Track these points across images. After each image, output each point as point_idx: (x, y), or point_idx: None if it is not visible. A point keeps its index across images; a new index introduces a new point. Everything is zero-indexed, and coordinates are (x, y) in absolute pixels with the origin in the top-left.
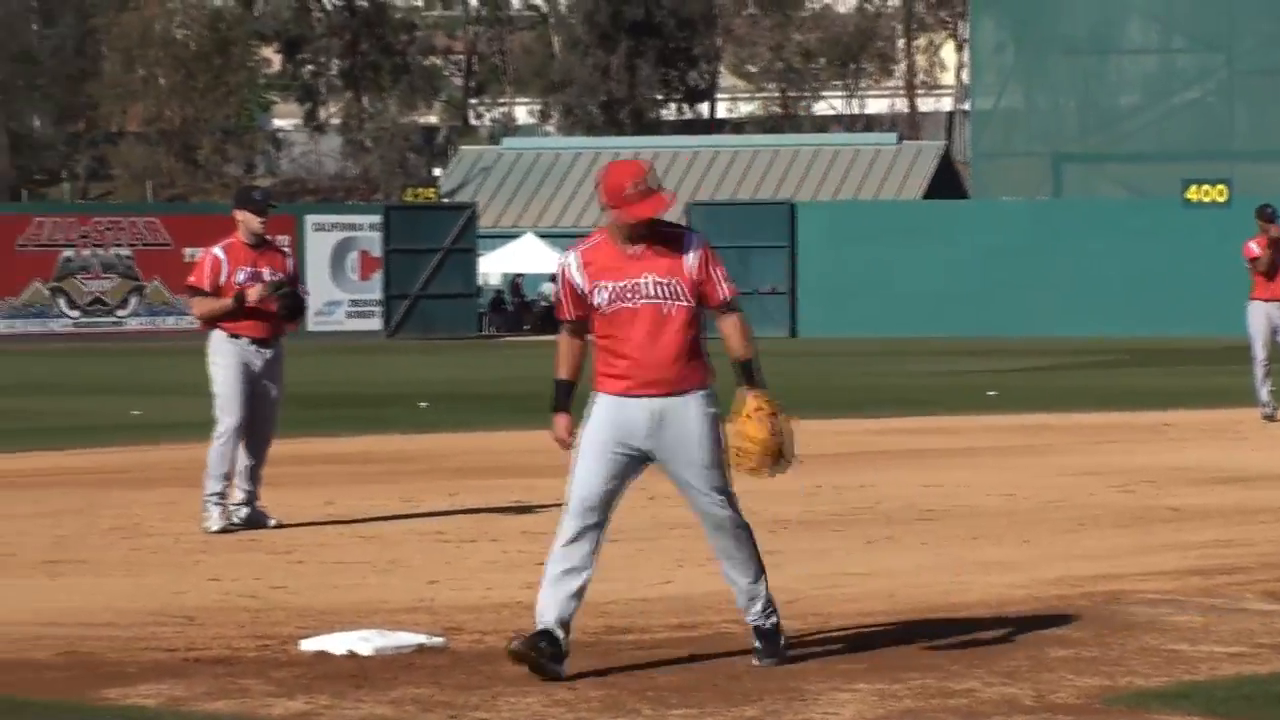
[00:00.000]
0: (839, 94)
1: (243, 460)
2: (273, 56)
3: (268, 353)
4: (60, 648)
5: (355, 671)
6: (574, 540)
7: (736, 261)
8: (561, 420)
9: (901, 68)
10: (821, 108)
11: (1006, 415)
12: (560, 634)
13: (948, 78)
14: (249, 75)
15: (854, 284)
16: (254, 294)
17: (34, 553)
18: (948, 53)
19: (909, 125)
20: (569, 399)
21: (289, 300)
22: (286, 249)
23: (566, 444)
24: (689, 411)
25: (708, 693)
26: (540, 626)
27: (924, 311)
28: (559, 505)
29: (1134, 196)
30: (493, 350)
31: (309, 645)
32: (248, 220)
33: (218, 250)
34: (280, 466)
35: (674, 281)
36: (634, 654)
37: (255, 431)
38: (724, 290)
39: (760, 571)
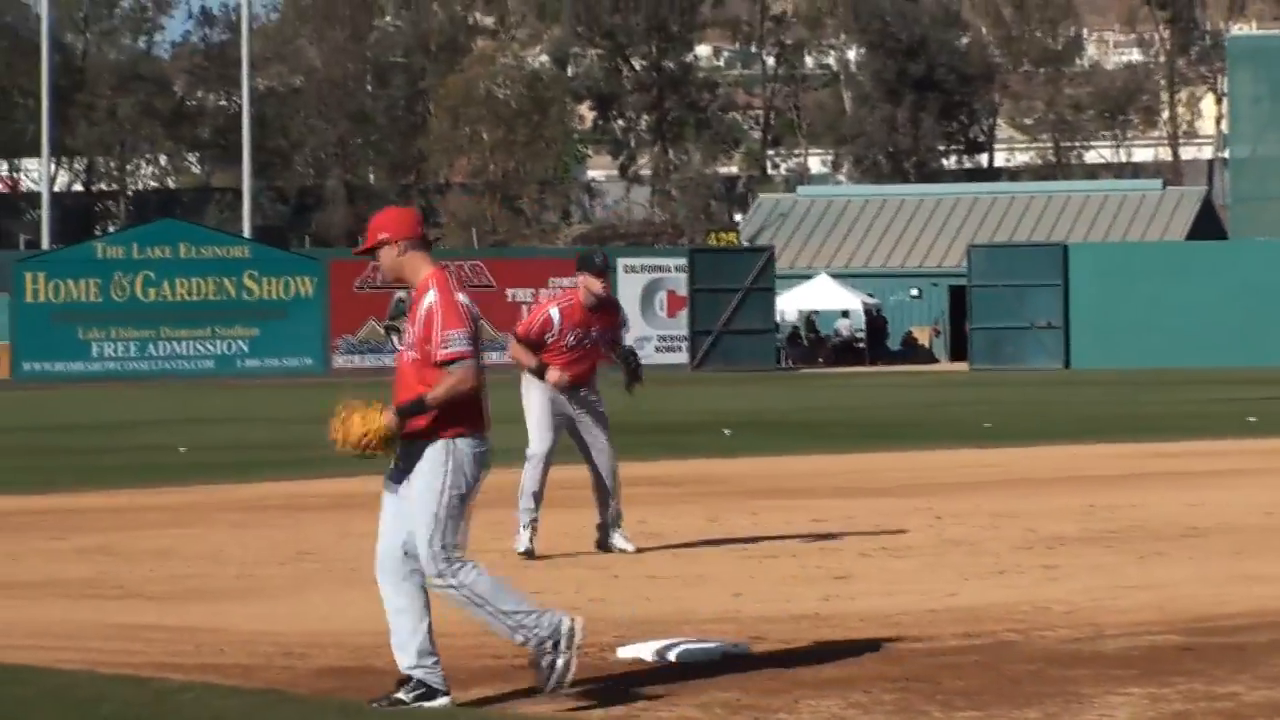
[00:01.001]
0: (1107, 144)
1: (595, 494)
2: (586, 113)
3: (580, 392)
4: None
5: (668, 676)
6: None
7: (1014, 298)
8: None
9: (1165, 119)
10: (1091, 156)
11: (1266, 439)
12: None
13: (1208, 127)
14: (565, 130)
15: (1122, 319)
16: (553, 377)
17: (374, 569)
18: (1208, 105)
19: (1172, 172)
20: None
21: (631, 367)
22: (620, 304)
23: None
24: (417, 458)
25: (992, 696)
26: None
27: (1187, 344)
28: (852, 532)
29: None
30: (790, 381)
31: (625, 652)
32: (589, 284)
33: (554, 311)
34: None
35: (411, 332)
36: (924, 661)
37: (593, 463)
38: (438, 353)
39: (417, 632)
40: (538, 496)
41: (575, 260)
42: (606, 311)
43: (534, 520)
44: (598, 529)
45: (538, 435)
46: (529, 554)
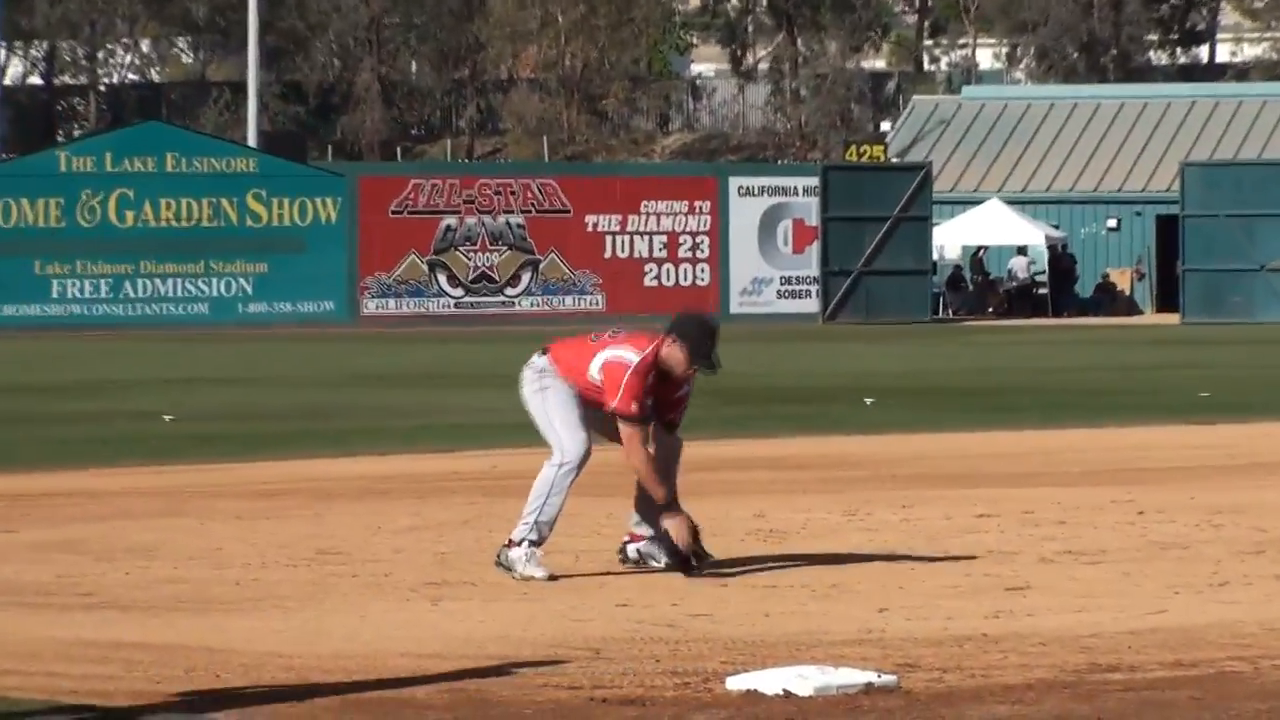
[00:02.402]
0: None
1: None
2: None
3: None
4: (444, 684)
5: (792, 715)
6: None
7: (1240, 232)
8: None
9: None
10: None
11: None
12: None
13: None
14: (662, 11)
15: None
16: (682, 538)
17: (413, 572)
18: None
19: None
20: None
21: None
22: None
23: None
24: None
25: None
26: None
27: None
28: (1030, 530)
29: None
30: (950, 336)
31: (736, 683)
32: (679, 364)
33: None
34: (702, 472)
35: None
36: (1122, 697)
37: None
38: None
39: None
40: (557, 518)
41: (677, 325)
42: (671, 384)
43: (540, 542)
44: (636, 540)
45: (569, 434)
46: (553, 577)
